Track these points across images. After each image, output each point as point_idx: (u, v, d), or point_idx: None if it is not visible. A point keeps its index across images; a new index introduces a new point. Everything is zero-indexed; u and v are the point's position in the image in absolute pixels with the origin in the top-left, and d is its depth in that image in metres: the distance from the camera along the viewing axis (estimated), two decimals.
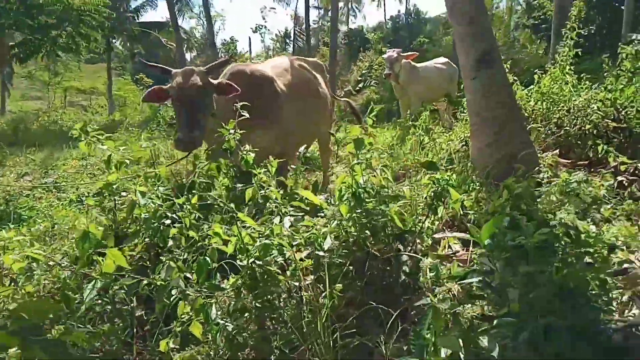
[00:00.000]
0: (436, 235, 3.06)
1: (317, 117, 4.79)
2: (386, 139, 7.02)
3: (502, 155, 4.98)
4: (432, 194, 2.82)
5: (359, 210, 2.49)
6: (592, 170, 5.24)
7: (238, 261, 2.16)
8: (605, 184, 4.12)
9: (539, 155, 5.51)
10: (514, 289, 1.66)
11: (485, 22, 5.26)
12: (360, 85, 17.70)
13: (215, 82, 3.74)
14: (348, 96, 15.87)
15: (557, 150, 5.89)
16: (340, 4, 31.22)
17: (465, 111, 5.33)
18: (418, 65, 9.52)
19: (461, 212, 3.26)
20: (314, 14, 27.33)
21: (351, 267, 2.35)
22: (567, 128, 6.11)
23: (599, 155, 5.08)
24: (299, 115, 4.46)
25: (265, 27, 50.04)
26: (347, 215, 2.49)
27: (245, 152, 3.05)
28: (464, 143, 6.05)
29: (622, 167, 4.89)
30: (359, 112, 6.03)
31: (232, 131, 3.16)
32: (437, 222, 3.13)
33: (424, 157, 6.00)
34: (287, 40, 26.84)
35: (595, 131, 5.73)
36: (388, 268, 2.44)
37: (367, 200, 2.54)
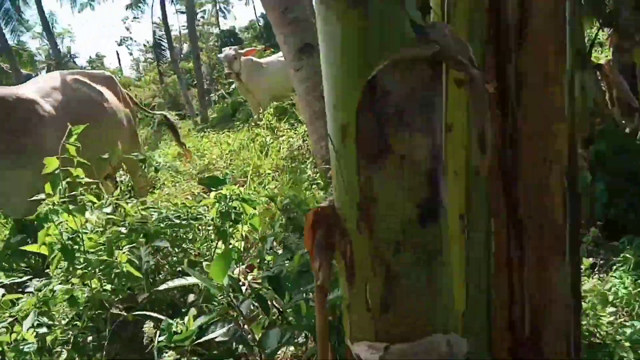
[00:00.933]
0: None
1: (107, 140, 4.16)
2: (233, 144, 6.63)
3: None
4: (220, 214, 2.43)
5: None
6: None
7: None
8: None
9: None
10: None
11: (302, 11, 5.03)
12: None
13: None
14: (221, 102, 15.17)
15: None
16: (209, 6, 30.34)
17: None
18: (261, 60, 9.25)
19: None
20: (182, 19, 26.33)
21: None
22: None
23: None
24: (85, 141, 3.88)
25: (131, 38, 47.17)
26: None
27: None
28: (305, 139, 5.89)
29: None
30: (176, 127, 5.54)
31: None
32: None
33: (265, 158, 5.74)
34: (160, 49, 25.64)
35: None
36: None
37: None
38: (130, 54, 47.78)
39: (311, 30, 5.03)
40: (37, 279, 2.30)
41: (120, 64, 28.15)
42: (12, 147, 3.47)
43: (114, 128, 4.34)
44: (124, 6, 27.51)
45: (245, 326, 1.79)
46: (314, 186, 4.28)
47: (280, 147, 6.08)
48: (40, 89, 3.95)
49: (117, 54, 64.50)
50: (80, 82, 4.27)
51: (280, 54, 9.82)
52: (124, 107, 4.66)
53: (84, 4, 25.70)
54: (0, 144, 3.45)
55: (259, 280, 2.26)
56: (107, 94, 4.43)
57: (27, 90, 3.86)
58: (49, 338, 2.01)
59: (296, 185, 4.23)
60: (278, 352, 2.01)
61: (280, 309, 1.96)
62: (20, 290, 2.34)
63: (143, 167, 4.27)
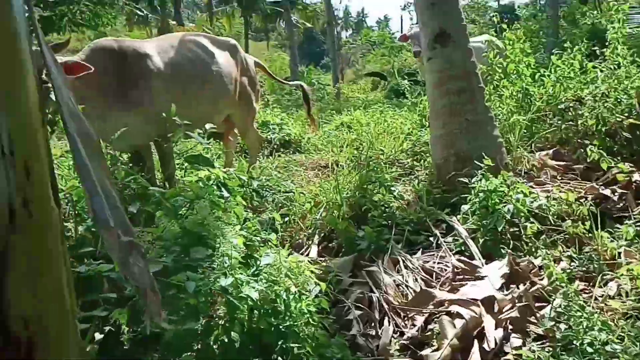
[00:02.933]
0: None
1: (207, 100, 4.39)
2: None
3: (450, 152, 4.26)
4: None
5: None
6: (586, 177, 4.36)
7: None
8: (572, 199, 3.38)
9: (529, 155, 4.69)
10: None
11: None
12: None
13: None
14: None
15: (551, 150, 4.98)
16: None
17: None
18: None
19: None
20: None
21: None
22: (571, 123, 5.17)
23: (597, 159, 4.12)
24: (179, 98, 4.07)
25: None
26: None
27: None
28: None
29: (620, 177, 3.97)
30: (309, 97, 5.48)
31: None
32: None
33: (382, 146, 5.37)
34: None
35: (604, 128, 4.75)
36: None
37: None
38: (411, 19, 50.18)
39: (451, 14, 4.44)
40: None
41: (402, 29, 29.60)
42: (124, 95, 3.85)
43: (219, 91, 4.44)
44: None
45: None
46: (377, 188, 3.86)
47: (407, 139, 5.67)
48: (159, 45, 4.28)
49: (401, 19, 68.29)
50: (198, 44, 4.49)
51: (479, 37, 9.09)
52: (240, 74, 4.72)
53: None
54: (115, 89, 3.77)
55: None
56: (222, 58, 4.57)
57: (147, 44, 4.19)
58: None
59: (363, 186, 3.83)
60: None
61: None
62: None
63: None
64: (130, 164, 4.30)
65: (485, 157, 3.80)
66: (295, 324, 1.84)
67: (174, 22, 20.31)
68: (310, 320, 1.93)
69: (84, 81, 3.67)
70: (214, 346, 1.75)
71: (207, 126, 3.51)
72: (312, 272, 2.20)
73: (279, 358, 1.80)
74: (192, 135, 3.22)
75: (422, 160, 5.05)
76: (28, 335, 0.97)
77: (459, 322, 2.37)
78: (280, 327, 1.80)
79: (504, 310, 2.53)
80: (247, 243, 2.19)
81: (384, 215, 3.60)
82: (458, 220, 3.54)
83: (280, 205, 3.92)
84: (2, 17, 1.05)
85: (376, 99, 14.26)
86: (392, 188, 3.95)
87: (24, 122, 1.07)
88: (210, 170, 2.76)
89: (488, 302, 2.53)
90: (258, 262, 2.01)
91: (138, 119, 3.86)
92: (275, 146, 6.65)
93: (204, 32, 7.52)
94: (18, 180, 1.00)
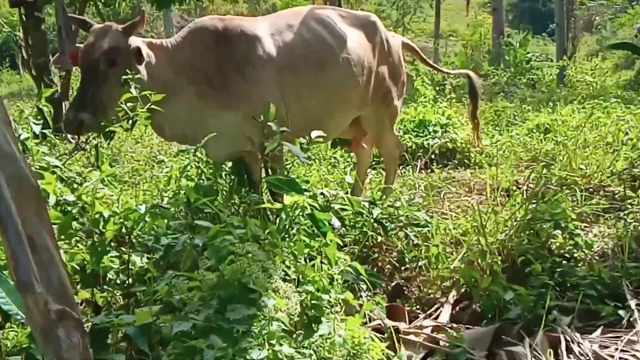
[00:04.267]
0: None
1: (328, 96, 4.53)
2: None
3: None
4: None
5: None
6: None
7: None
8: None
9: None
10: None
11: None
12: None
13: (133, 46, 3.94)
14: None
15: None
16: None
17: None
18: None
19: None
20: None
21: None
22: None
23: None
24: (296, 92, 4.37)
25: None
26: None
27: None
28: None
29: None
30: (478, 92, 5.40)
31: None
32: None
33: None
34: None
35: None
36: None
37: None
38: None
39: None
40: None
41: None
42: (226, 88, 4.22)
43: (345, 84, 4.61)
44: None
45: None
46: None
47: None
48: (273, 24, 4.59)
49: None
50: (322, 22, 4.70)
51: None
52: (378, 61, 4.85)
53: None
54: (215, 80, 4.15)
55: None
56: (354, 40, 4.70)
57: (259, 24, 4.55)
58: None
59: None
60: None
61: None
62: None
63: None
64: (232, 176, 4.70)
65: None
66: None
67: None
68: None
69: (175, 70, 4.12)
70: None
71: (314, 134, 3.67)
72: (385, 352, 2.20)
73: None
74: (287, 146, 3.40)
75: None
76: None
77: None
78: None
79: None
80: (314, 302, 2.28)
81: (553, 270, 3.42)
82: None
83: (412, 243, 3.94)
84: None
85: (614, 85, 13.35)
86: (576, 231, 3.73)
87: None
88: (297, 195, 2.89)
89: None
90: (315, 331, 2.08)
91: (242, 119, 4.16)
92: (433, 157, 6.63)
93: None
94: None
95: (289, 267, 2.49)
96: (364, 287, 3.28)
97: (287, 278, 2.45)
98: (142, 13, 3.96)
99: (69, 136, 4.29)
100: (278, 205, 2.93)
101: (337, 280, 2.63)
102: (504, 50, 19.28)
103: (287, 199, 2.88)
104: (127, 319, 2.08)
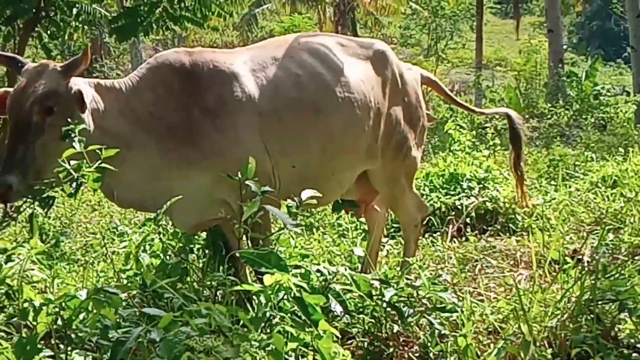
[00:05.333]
0: None
1: (324, 146, 4.62)
2: None
3: None
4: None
5: None
6: None
7: None
8: None
9: None
10: None
11: None
12: None
13: (74, 89, 4.03)
14: None
15: None
16: None
17: None
18: None
19: None
20: None
21: None
22: None
23: None
24: (284, 143, 4.46)
25: None
26: None
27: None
28: None
29: None
30: (521, 135, 5.45)
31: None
32: None
33: None
34: None
35: None
36: None
37: None
38: None
39: None
40: None
41: None
42: (192, 139, 4.33)
43: (346, 131, 4.70)
44: None
45: None
46: None
47: None
48: (255, 57, 4.70)
49: None
50: (318, 54, 4.80)
51: None
52: (389, 100, 4.95)
53: None
54: (180, 130, 4.23)
55: None
56: (356, 75, 4.82)
57: (237, 58, 4.66)
58: None
59: None
60: None
61: None
62: None
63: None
64: (206, 250, 4.74)
65: None
66: None
67: None
68: None
69: (129, 118, 4.20)
70: None
71: (304, 194, 3.71)
72: None
73: None
74: (270, 210, 3.44)
75: None
76: None
77: None
78: None
79: None
80: None
81: None
82: None
83: (438, 333, 3.93)
84: None
85: None
86: None
87: None
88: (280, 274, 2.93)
89: None
90: None
91: (215, 179, 4.22)
92: (469, 220, 6.64)
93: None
94: None
95: None
96: None
97: None
98: (86, 47, 4.04)
99: None
100: (256, 287, 2.95)
101: None
102: (564, 82, 19.43)
103: (268, 279, 2.91)
104: None
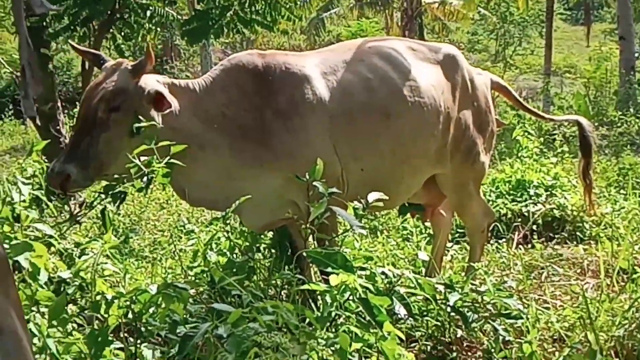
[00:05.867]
0: None
1: (393, 150, 4.62)
2: None
3: None
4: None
5: None
6: None
7: None
8: None
9: None
10: None
11: None
12: None
13: (147, 89, 4.12)
14: None
15: None
16: None
17: None
18: None
19: None
20: None
21: None
22: None
23: None
24: (354, 146, 4.49)
25: None
26: None
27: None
28: None
29: None
30: (591, 145, 5.39)
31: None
32: None
33: None
34: None
35: None
36: None
37: None
38: None
39: None
40: None
41: None
42: (264, 139, 4.39)
43: (415, 135, 4.70)
44: None
45: None
46: None
47: None
48: (326, 60, 4.74)
49: None
50: (389, 58, 4.80)
51: None
52: (459, 105, 4.95)
53: None
54: (251, 130, 4.27)
55: None
56: (426, 79, 4.81)
57: (308, 61, 4.70)
58: None
59: None
60: None
61: None
62: None
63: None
64: (273, 250, 4.78)
65: None
66: None
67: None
68: None
69: (202, 119, 4.26)
70: None
71: (371, 197, 3.72)
72: None
73: None
74: (336, 211, 3.46)
75: None
76: None
77: None
78: None
79: None
80: None
81: None
82: None
83: (502, 339, 3.91)
84: None
85: None
86: None
87: None
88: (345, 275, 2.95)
89: None
90: None
91: (285, 179, 4.28)
92: (535, 228, 6.57)
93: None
94: None
95: None
96: None
97: None
98: (148, 46, 4.10)
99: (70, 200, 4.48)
100: (322, 287, 2.98)
101: None
102: (636, 90, 19.05)
103: (334, 279, 2.93)
104: None
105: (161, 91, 4.10)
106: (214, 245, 4.73)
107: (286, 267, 4.16)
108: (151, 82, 4.18)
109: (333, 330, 2.88)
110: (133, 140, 3.86)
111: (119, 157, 3.89)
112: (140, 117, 3.93)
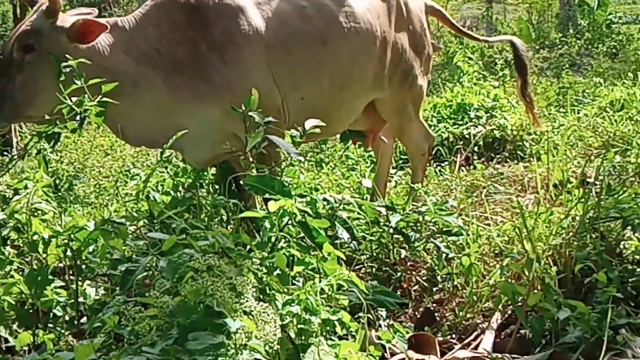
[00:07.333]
0: None
1: (332, 77, 4.65)
2: None
3: None
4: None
5: None
6: None
7: None
8: None
9: None
10: None
11: None
12: None
13: (66, 25, 4.02)
14: None
15: None
16: None
17: None
18: None
19: None
20: None
21: None
22: None
23: None
24: (292, 75, 4.50)
25: None
26: None
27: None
28: None
29: None
30: (526, 63, 5.44)
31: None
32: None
33: None
34: None
35: None
36: None
37: None
38: None
39: None
40: None
41: None
42: (200, 73, 4.35)
43: (353, 61, 4.71)
44: None
45: None
46: None
47: None
48: None
49: None
50: None
51: None
52: (395, 29, 4.95)
53: None
54: (186, 65, 4.24)
55: None
56: (362, 4, 4.79)
57: None
58: None
59: None
60: None
61: None
62: None
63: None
64: (216, 185, 4.77)
65: None
66: None
67: None
68: None
69: (134, 56, 4.20)
70: None
71: (308, 124, 3.72)
72: None
73: None
74: (273, 140, 3.45)
75: None
76: None
77: None
78: None
79: None
80: (300, 327, 2.33)
81: (623, 281, 3.43)
82: None
83: (445, 256, 3.97)
84: None
85: None
86: None
87: None
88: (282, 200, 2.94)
89: None
90: None
91: (225, 112, 4.19)
92: (477, 149, 6.65)
93: None
94: None
95: (267, 285, 2.53)
96: (383, 313, 3.33)
97: (266, 298, 2.50)
98: None
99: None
100: (260, 213, 2.98)
101: (334, 299, 2.68)
102: (576, 12, 19.18)
103: (272, 205, 2.94)
104: (65, 356, 2.14)
105: (85, 18, 4.03)
106: (158, 187, 4.73)
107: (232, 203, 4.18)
108: (71, 18, 4.09)
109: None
110: (58, 82, 3.76)
111: (37, 99, 3.85)
112: (67, 56, 3.80)
